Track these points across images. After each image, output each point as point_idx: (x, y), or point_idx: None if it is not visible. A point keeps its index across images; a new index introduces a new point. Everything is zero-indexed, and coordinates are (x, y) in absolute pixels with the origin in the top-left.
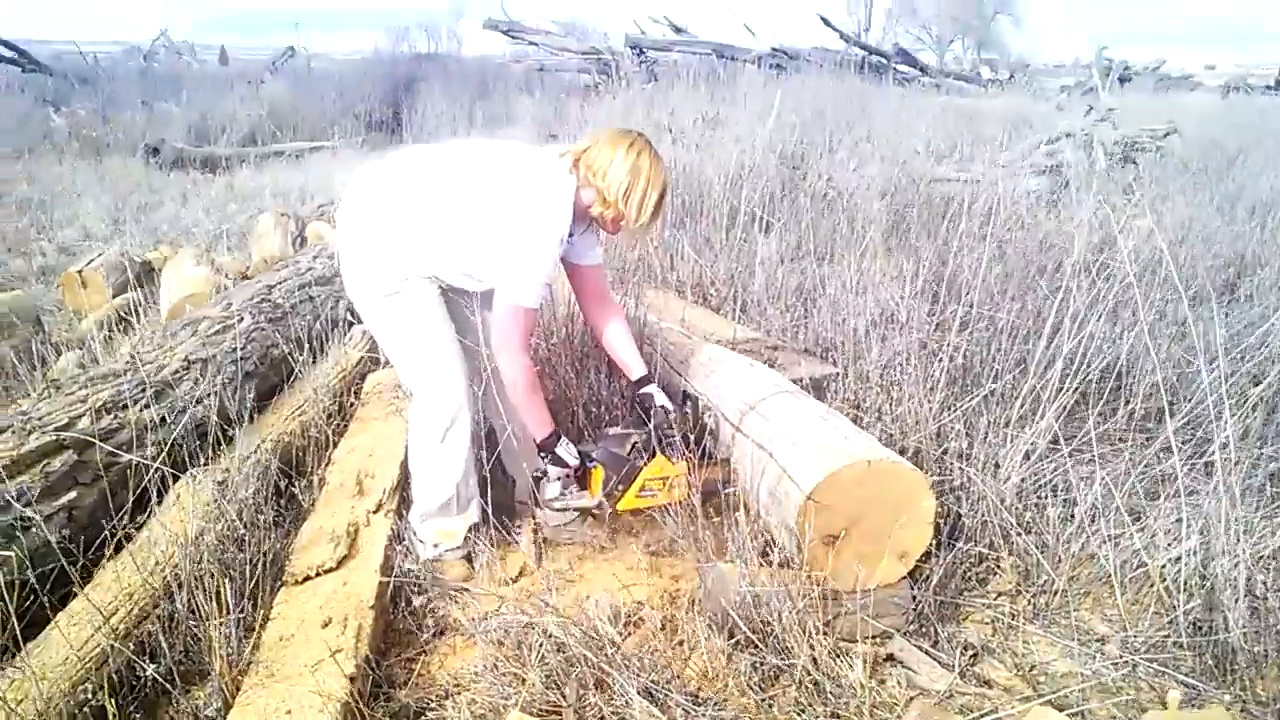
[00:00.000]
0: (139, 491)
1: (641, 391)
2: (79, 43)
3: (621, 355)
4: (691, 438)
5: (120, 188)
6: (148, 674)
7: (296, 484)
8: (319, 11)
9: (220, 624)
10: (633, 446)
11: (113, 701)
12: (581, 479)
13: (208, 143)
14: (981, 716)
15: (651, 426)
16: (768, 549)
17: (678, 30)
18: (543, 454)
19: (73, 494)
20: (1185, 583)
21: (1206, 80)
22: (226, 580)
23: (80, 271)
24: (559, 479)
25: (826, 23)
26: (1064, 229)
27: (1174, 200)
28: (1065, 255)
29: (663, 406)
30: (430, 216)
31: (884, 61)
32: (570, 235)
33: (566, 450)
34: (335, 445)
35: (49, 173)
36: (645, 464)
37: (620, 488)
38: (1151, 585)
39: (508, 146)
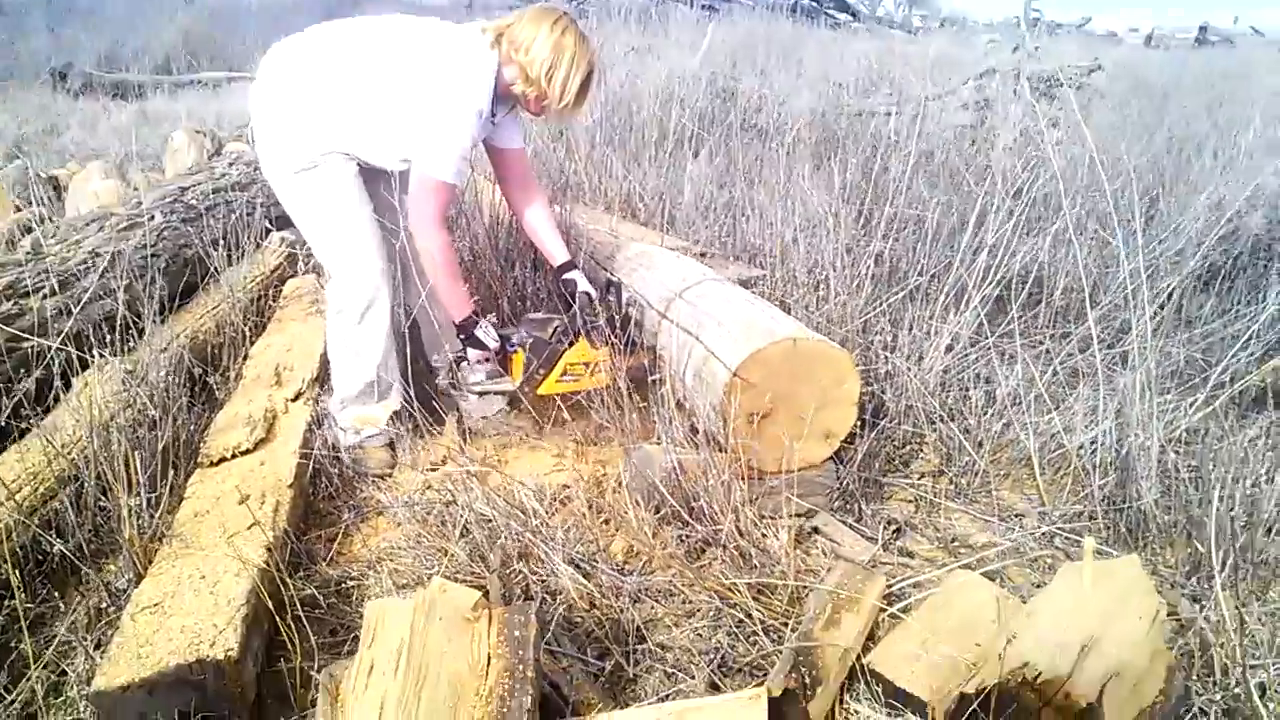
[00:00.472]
0: (43, 377)
1: (565, 277)
2: None
3: (544, 240)
4: (616, 324)
5: (24, 112)
6: (54, 550)
7: (212, 377)
8: None
9: (131, 497)
10: (554, 330)
11: (17, 574)
12: (502, 363)
13: (120, 70)
14: (903, 581)
15: (575, 310)
16: (693, 432)
17: None
18: (461, 335)
19: None
20: (1101, 462)
21: (1130, 40)
22: (136, 455)
23: None
24: (479, 362)
25: None
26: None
27: (1097, 125)
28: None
29: (585, 292)
30: (345, 89)
31: (815, 6)
32: (493, 115)
33: (486, 333)
34: (252, 344)
35: None
36: (567, 348)
37: (541, 371)
38: (1069, 466)
39: (427, 22)
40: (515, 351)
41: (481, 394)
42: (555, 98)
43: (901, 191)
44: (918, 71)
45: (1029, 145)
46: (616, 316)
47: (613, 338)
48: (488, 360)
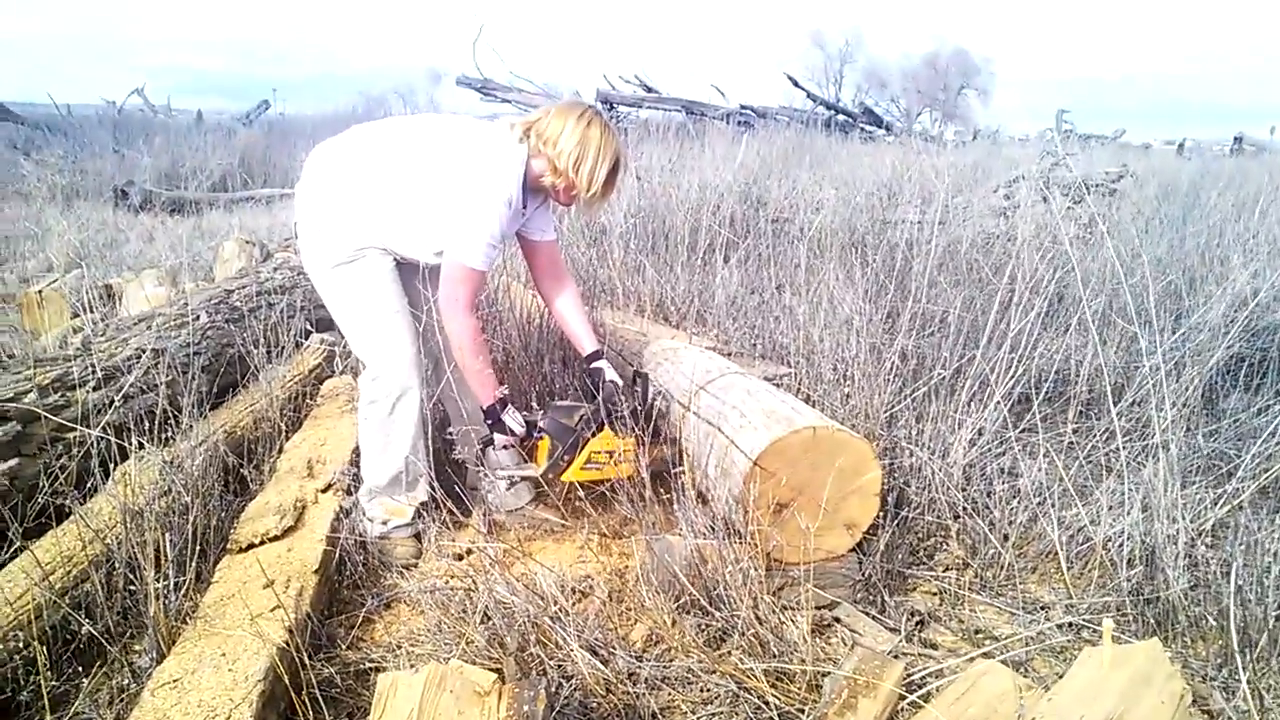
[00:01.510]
0: (82, 465)
1: (592, 366)
2: (52, 95)
3: (574, 329)
4: (641, 415)
5: (87, 227)
6: (83, 630)
7: (247, 469)
8: (297, 79)
9: (159, 579)
10: (580, 418)
11: (44, 650)
12: (528, 449)
13: (178, 188)
14: (924, 670)
15: (600, 400)
16: (714, 524)
17: (649, 89)
18: (488, 420)
19: (14, 461)
20: (1128, 554)
21: (1165, 150)
22: (166, 538)
23: (40, 291)
24: (505, 447)
25: (794, 82)
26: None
27: (1122, 226)
28: (1012, 261)
29: (612, 381)
30: (382, 187)
31: (850, 120)
32: (524, 207)
33: (513, 418)
34: (288, 439)
35: (17, 213)
36: (592, 436)
37: (566, 458)
38: (1096, 559)
39: (459, 119)
40: (541, 438)
41: (508, 479)
42: (584, 188)
43: (924, 289)
44: (948, 182)
45: (1050, 241)
46: (642, 407)
47: (638, 428)
48: (514, 446)
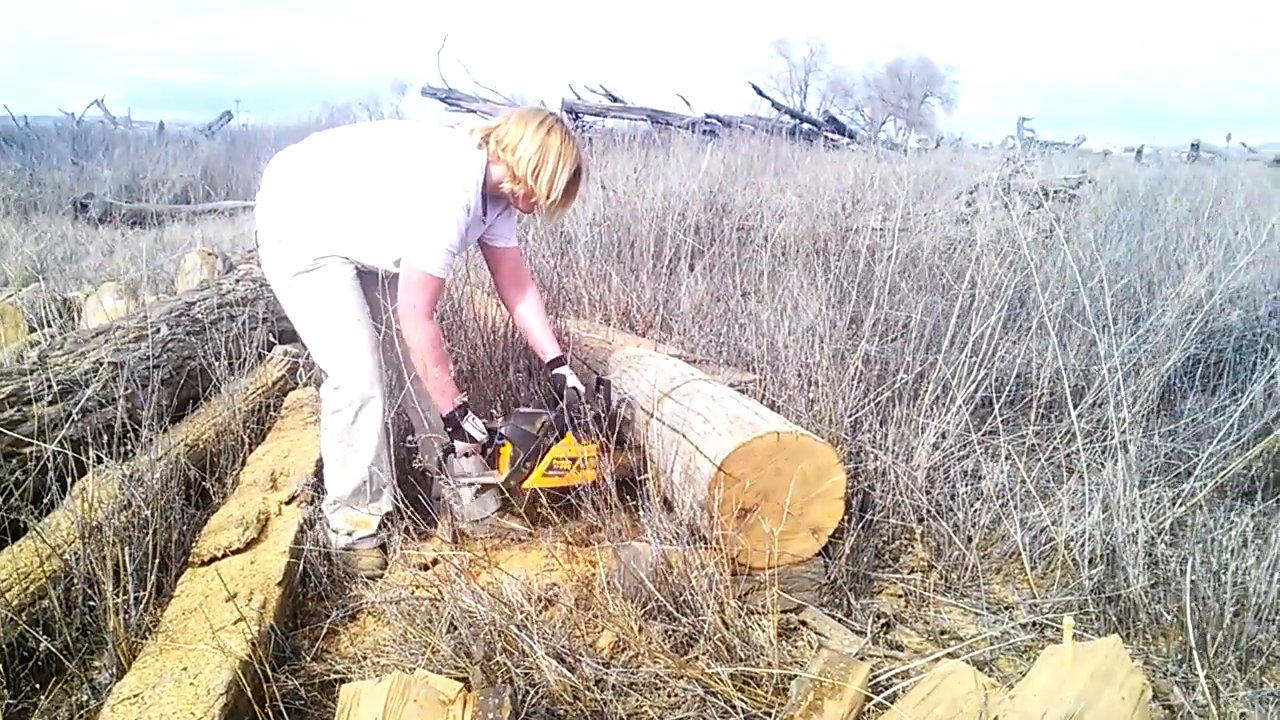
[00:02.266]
0: (39, 480)
1: (554, 373)
2: (8, 106)
3: (536, 335)
4: (604, 421)
5: (45, 241)
6: (40, 647)
7: (209, 482)
8: (260, 90)
9: (119, 594)
10: (542, 425)
11: (0, 668)
12: (490, 457)
13: (139, 201)
14: (890, 671)
15: (561, 406)
16: (680, 530)
17: (614, 99)
18: (449, 427)
19: None
20: (1090, 554)
21: (1125, 157)
22: (126, 551)
23: None
24: (466, 454)
25: (758, 91)
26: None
27: (1080, 230)
28: (971, 264)
29: (574, 387)
30: (341, 194)
31: (815, 129)
32: (485, 214)
33: (473, 425)
34: (251, 452)
35: None
36: (554, 443)
37: (528, 465)
38: (1059, 559)
39: (420, 126)
40: (503, 445)
41: (470, 486)
42: (543, 195)
43: (886, 295)
44: (910, 188)
45: (1009, 246)
46: (604, 414)
47: (601, 435)
48: (474, 453)
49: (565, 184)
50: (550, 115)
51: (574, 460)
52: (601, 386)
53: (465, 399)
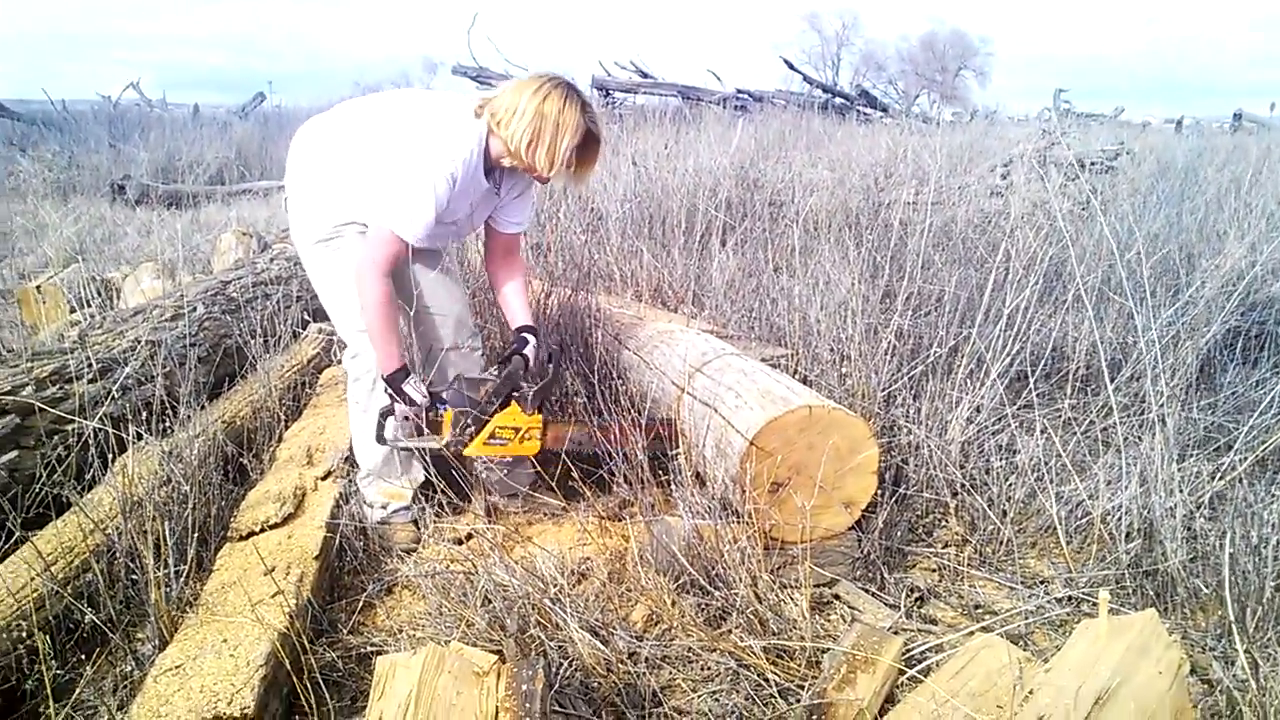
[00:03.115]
0: (81, 457)
1: (514, 340)
2: (47, 90)
3: (512, 306)
4: (550, 393)
5: (84, 222)
6: (85, 619)
7: (246, 458)
8: (292, 73)
9: (160, 568)
10: (486, 392)
11: (46, 640)
12: (432, 421)
13: (175, 182)
14: (923, 645)
15: (506, 373)
16: (712, 504)
17: (644, 75)
18: (389, 389)
19: (13, 454)
20: (1127, 528)
21: (1165, 128)
22: (166, 526)
23: (39, 286)
24: (406, 418)
25: (790, 65)
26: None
27: (1118, 202)
28: (1006, 237)
29: (524, 355)
30: (354, 161)
31: (847, 103)
32: (498, 190)
33: (415, 388)
34: (287, 428)
35: (13, 209)
36: (496, 411)
37: (470, 432)
38: (1095, 533)
39: (436, 95)
40: (446, 410)
41: (405, 450)
42: (542, 169)
43: (920, 269)
44: (943, 161)
45: (1043, 218)
46: (549, 386)
47: (544, 408)
48: (414, 417)
49: (567, 154)
50: (549, 80)
51: (517, 430)
52: (551, 358)
53: (406, 361)
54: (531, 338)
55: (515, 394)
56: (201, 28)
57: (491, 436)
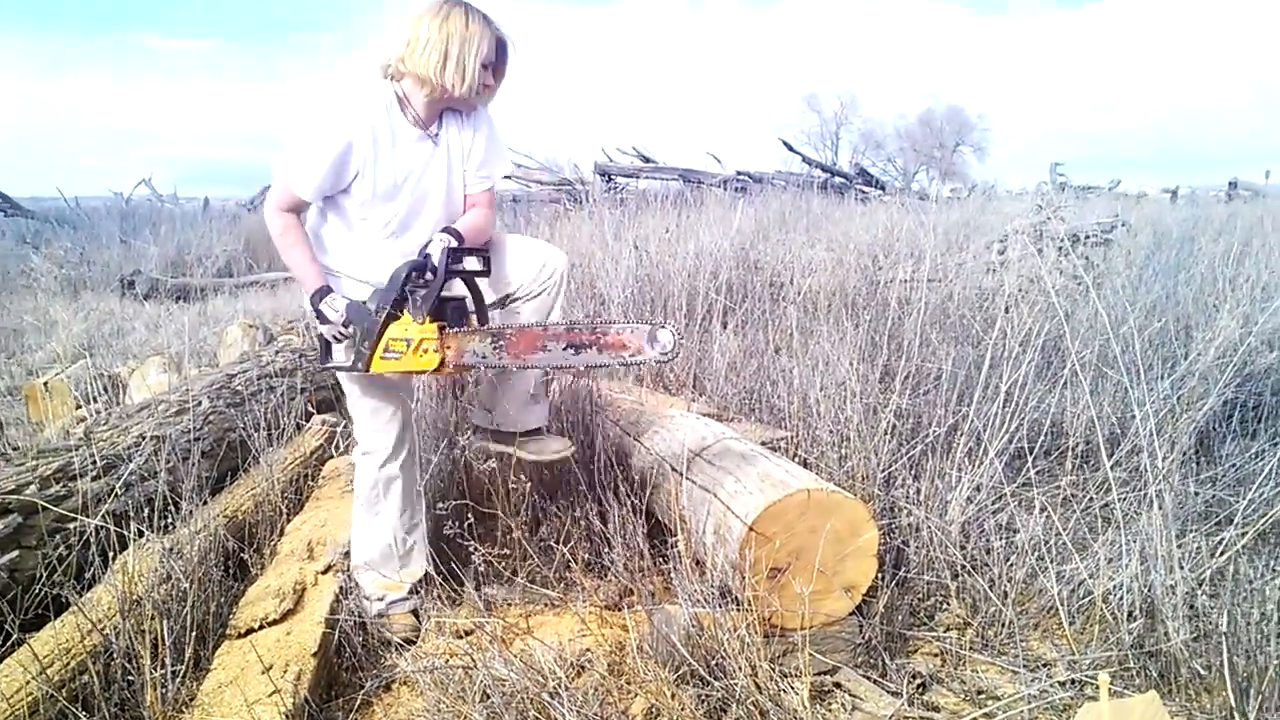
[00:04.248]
0: (81, 555)
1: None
2: (60, 189)
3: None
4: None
5: (93, 318)
6: None
7: (247, 553)
8: None
9: (156, 666)
10: (380, 303)
11: None
12: (348, 339)
13: (184, 275)
14: None
15: (395, 274)
16: (711, 591)
17: (646, 160)
18: (316, 313)
19: (14, 554)
20: (1129, 607)
21: (1161, 199)
22: (164, 624)
23: (45, 382)
24: (334, 338)
25: (789, 147)
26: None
27: (1113, 275)
28: (1001, 315)
29: (426, 254)
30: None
31: (846, 182)
32: (435, 137)
33: (329, 305)
34: (289, 521)
35: (24, 306)
36: (386, 322)
37: (367, 347)
38: (1097, 612)
39: None
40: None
41: (323, 369)
42: (457, 88)
43: (917, 347)
44: (939, 239)
45: (1039, 294)
46: (463, 295)
47: (440, 317)
48: (341, 336)
49: (477, 66)
50: (444, 2)
51: (409, 343)
52: (452, 256)
53: (325, 283)
54: (446, 236)
55: (406, 301)
56: (212, 124)
57: (386, 350)
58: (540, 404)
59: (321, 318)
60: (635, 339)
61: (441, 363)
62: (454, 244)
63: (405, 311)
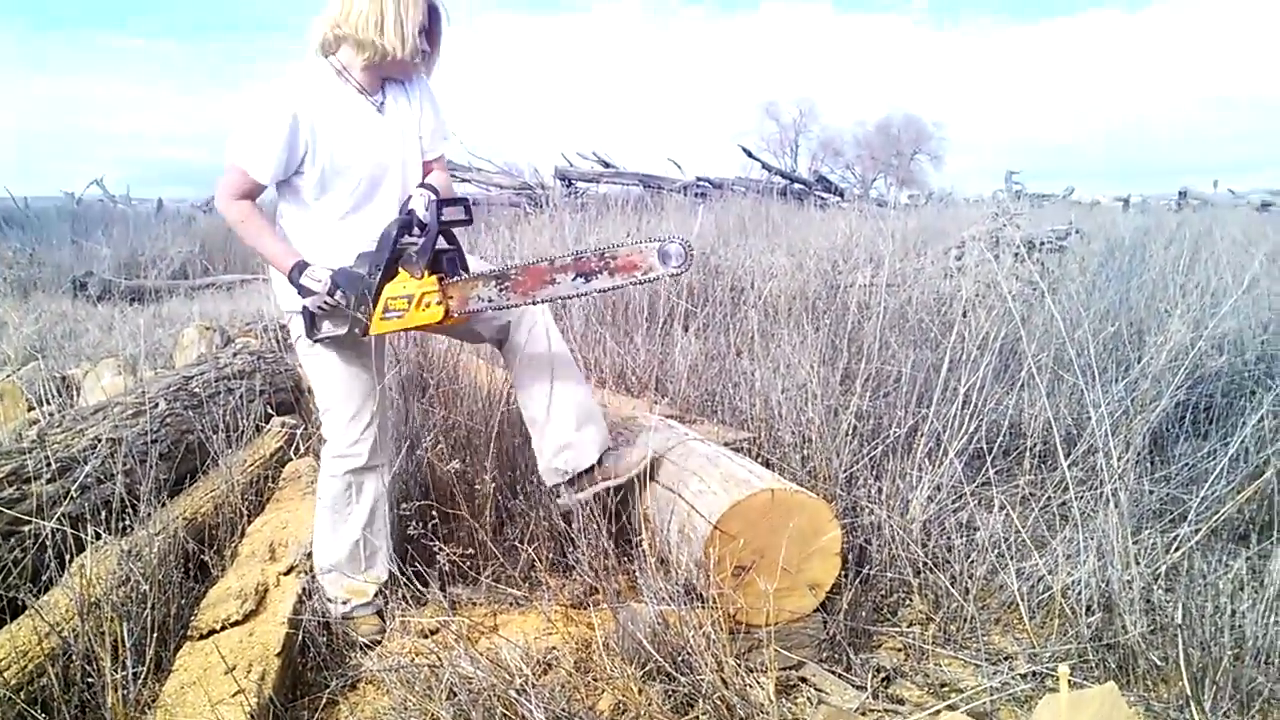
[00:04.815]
0: (37, 558)
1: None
2: (9, 189)
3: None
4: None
5: (45, 320)
6: None
7: (208, 555)
8: None
9: (117, 668)
10: (372, 264)
11: None
12: (337, 306)
13: (138, 277)
14: None
15: (386, 234)
16: (677, 589)
17: (606, 165)
18: (298, 290)
19: None
20: (1087, 601)
21: (1114, 206)
22: (124, 626)
23: None
24: (319, 308)
25: (748, 153)
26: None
27: (1067, 281)
28: (959, 319)
29: (410, 210)
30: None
31: (805, 189)
32: (379, 106)
33: (310, 277)
34: (250, 523)
35: None
36: (383, 282)
37: (364, 311)
38: (1057, 607)
39: None
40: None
41: (318, 340)
42: (397, 49)
43: (877, 350)
44: (897, 245)
45: (996, 299)
46: (454, 245)
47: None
48: (329, 306)
49: (416, 27)
50: None
51: (410, 299)
52: (442, 207)
53: (300, 258)
54: (425, 191)
55: (401, 259)
56: (166, 124)
57: (386, 310)
58: (596, 422)
59: (304, 291)
60: (645, 258)
61: (447, 313)
62: (434, 197)
63: (401, 268)
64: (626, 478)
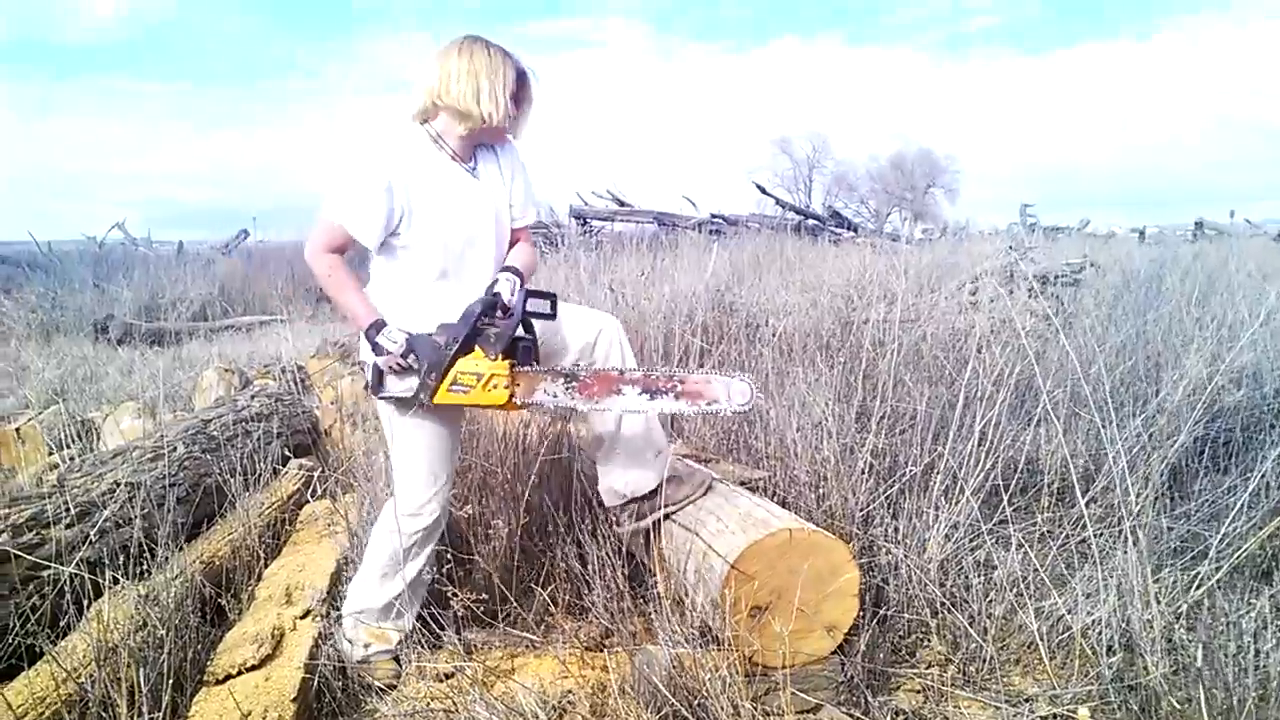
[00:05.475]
0: (55, 604)
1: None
2: (33, 233)
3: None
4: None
5: (66, 363)
6: None
7: (225, 599)
8: (277, 210)
9: (133, 715)
10: (450, 337)
11: None
12: (409, 370)
13: (158, 320)
14: None
15: (469, 309)
16: (692, 631)
17: (620, 203)
18: (372, 347)
19: None
20: (1109, 641)
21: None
22: (141, 672)
23: (18, 428)
24: (390, 369)
25: (762, 190)
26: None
27: (1083, 315)
28: (973, 356)
29: (494, 294)
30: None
31: (819, 224)
32: (472, 170)
33: (387, 337)
34: (267, 566)
35: None
36: (457, 356)
37: (433, 379)
38: (1077, 647)
39: None
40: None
41: (384, 398)
42: (494, 116)
43: (892, 388)
44: (911, 280)
45: (1009, 335)
46: (531, 335)
47: (512, 354)
48: (399, 367)
49: (510, 94)
50: (463, 40)
51: (479, 377)
52: (530, 299)
53: (379, 317)
54: (513, 276)
55: (478, 337)
56: (185, 165)
57: (454, 383)
58: (662, 449)
59: (378, 349)
60: (713, 389)
61: (510, 398)
62: (521, 284)
63: (477, 346)
64: (682, 506)
